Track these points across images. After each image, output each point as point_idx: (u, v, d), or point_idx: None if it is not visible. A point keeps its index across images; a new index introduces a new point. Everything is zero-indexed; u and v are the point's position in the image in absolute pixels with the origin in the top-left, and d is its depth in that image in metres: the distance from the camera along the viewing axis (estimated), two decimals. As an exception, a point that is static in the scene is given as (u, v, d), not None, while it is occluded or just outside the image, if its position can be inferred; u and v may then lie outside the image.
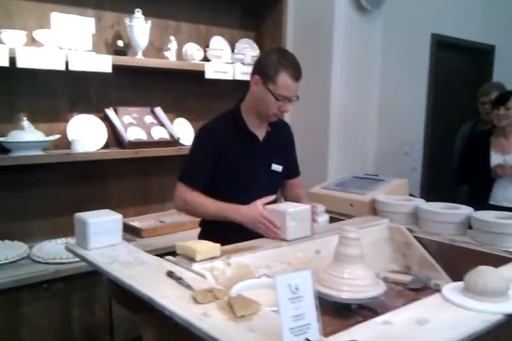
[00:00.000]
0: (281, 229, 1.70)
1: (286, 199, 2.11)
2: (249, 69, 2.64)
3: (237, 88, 3.22)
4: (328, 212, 2.14)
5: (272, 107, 1.83)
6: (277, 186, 2.07)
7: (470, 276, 1.24)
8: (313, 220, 1.79)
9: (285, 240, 1.69)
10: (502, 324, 1.12)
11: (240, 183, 1.90)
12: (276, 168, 1.99)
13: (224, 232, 1.77)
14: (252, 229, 1.75)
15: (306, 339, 0.95)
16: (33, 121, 2.45)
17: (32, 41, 2.35)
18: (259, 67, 1.84)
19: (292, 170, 2.12)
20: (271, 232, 1.72)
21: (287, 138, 2.12)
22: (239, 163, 1.90)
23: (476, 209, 1.91)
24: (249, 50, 3.27)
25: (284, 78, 1.77)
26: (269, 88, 1.79)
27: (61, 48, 2.34)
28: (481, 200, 2.92)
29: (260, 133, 1.96)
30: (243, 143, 1.91)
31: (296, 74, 1.80)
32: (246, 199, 1.80)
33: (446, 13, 4.23)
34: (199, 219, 2.06)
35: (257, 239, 1.73)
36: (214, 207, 1.82)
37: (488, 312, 1.13)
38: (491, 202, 2.98)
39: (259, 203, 1.75)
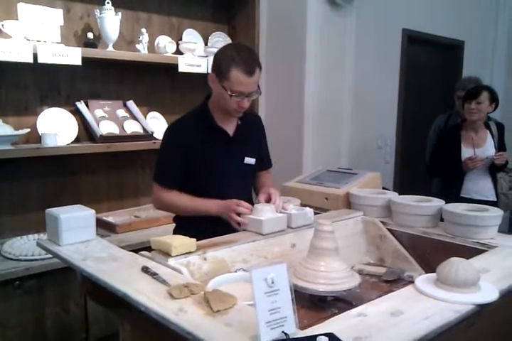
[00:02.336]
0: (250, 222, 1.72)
1: (254, 187, 2.13)
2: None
3: (211, 82, 3.20)
4: (303, 205, 2.14)
5: (230, 103, 1.80)
6: (251, 179, 2.08)
7: (442, 268, 1.26)
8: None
9: (261, 234, 1.69)
10: (473, 314, 1.15)
11: (213, 178, 1.90)
12: (249, 161, 2.00)
13: (198, 227, 1.77)
14: (225, 218, 1.77)
15: (283, 332, 0.96)
16: (1, 114, 2.40)
17: (-2, 32, 2.28)
18: (214, 65, 1.82)
19: (265, 161, 2.14)
20: (237, 219, 1.73)
21: (258, 131, 2.12)
22: (211, 159, 1.89)
23: (448, 201, 1.94)
24: (222, 44, 3.23)
25: (236, 74, 1.74)
26: (224, 85, 1.77)
27: (29, 40, 2.28)
28: (452, 193, 2.98)
29: (229, 128, 1.95)
30: (213, 138, 1.90)
31: (249, 69, 1.75)
32: (221, 193, 1.84)
33: (416, 9, 4.29)
34: (173, 215, 2.05)
35: (232, 233, 1.72)
36: (191, 204, 1.85)
37: (460, 302, 1.15)
38: (462, 194, 3.04)
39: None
